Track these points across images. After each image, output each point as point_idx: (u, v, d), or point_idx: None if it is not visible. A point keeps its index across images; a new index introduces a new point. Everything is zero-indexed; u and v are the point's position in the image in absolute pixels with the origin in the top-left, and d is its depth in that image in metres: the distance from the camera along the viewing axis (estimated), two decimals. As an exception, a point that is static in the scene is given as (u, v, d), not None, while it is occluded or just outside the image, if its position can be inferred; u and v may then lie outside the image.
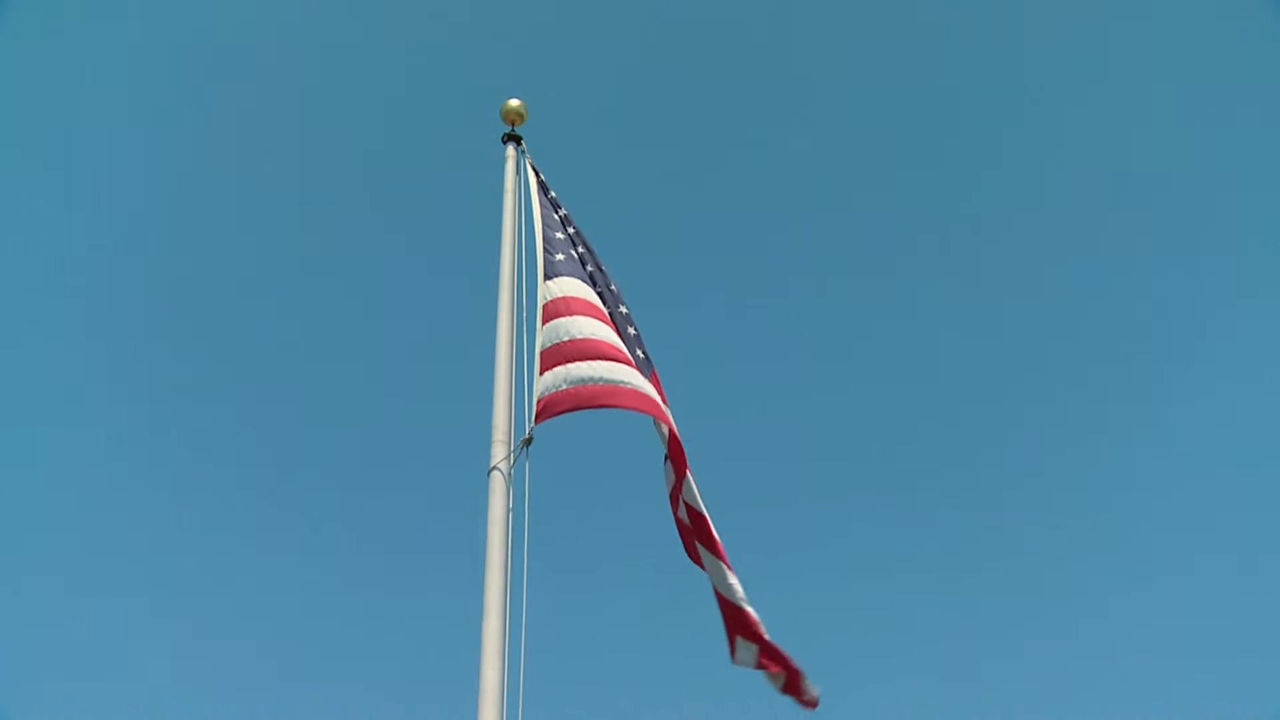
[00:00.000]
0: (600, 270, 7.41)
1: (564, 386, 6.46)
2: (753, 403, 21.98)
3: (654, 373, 7.08)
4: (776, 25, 22.82)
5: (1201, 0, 20.09)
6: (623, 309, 7.32)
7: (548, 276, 7.02)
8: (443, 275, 21.76)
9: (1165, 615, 18.09)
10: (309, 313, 21.58)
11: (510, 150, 7.89)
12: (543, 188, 7.69)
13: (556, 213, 7.58)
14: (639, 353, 7.08)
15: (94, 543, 18.17)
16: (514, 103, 8.04)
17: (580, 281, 7.10)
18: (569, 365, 6.54)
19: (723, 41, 23.39)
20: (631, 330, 7.21)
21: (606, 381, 6.51)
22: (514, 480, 6.35)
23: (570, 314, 6.81)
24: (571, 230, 7.53)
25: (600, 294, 7.21)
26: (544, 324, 6.77)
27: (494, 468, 6.31)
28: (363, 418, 21.22)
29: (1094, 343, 21.44)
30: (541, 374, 6.55)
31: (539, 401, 6.43)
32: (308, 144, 22.04)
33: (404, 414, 21.09)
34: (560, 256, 7.20)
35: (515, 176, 7.76)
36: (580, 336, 6.70)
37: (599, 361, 6.58)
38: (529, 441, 6.35)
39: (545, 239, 7.27)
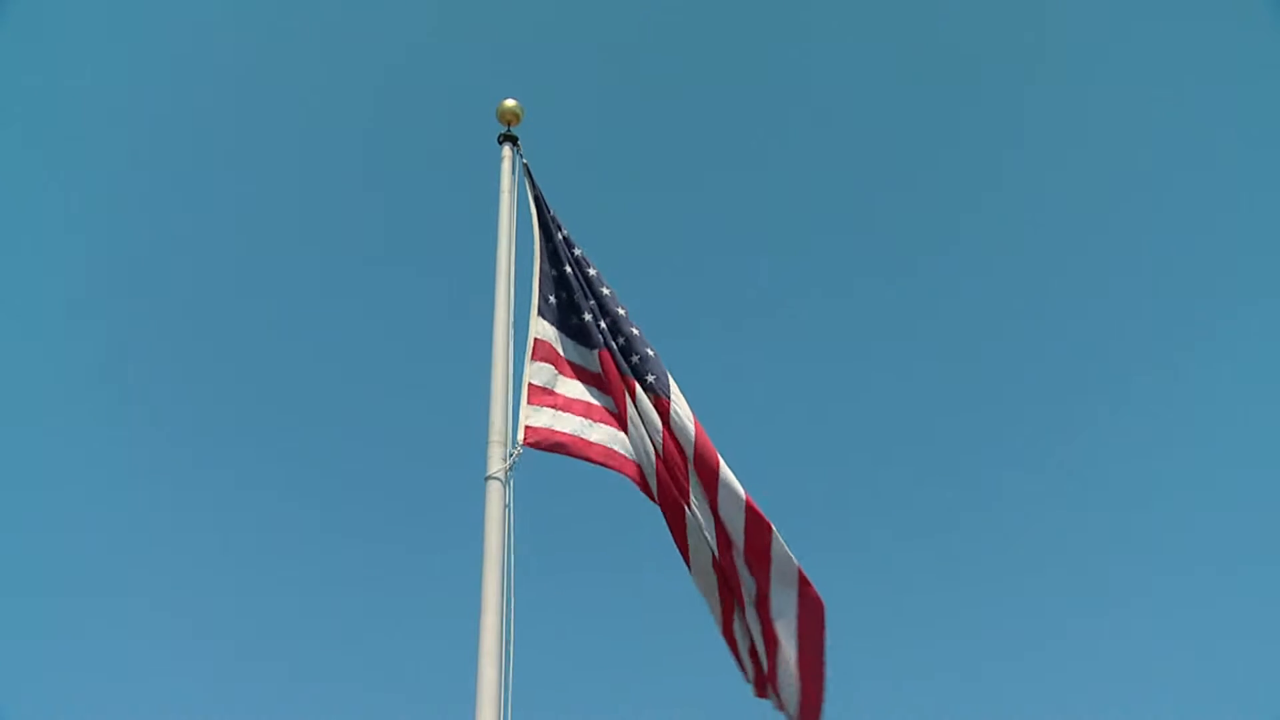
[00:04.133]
0: (599, 295, 7.43)
1: (558, 429, 6.72)
2: (748, 405, 22.01)
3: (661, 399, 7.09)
4: (777, 25, 22.86)
5: (1201, 0, 20.14)
6: (621, 312, 7.36)
7: (541, 314, 7.13)
8: (438, 275, 21.78)
9: (1164, 616, 18.15)
10: (304, 314, 21.62)
11: (506, 151, 7.89)
12: (540, 205, 7.65)
13: (558, 234, 7.57)
14: (634, 359, 7.14)
15: (94, 542, 18.21)
16: (510, 103, 8.03)
17: (564, 335, 7.20)
18: (561, 414, 6.78)
19: (722, 42, 23.42)
20: (632, 334, 7.26)
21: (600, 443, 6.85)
22: (509, 481, 6.40)
23: (559, 371, 7.01)
24: (575, 253, 7.53)
25: (595, 330, 7.23)
26: (534, 359, 6.88)
27: (492, 474, 6.36)
28: (359, 418, 21.27)
29: (1089, 344, 21.49)
30: (530, 402, 6.70)
31: (532, 430, 6.59)
32: (300, 145, 22.10)
33: (400, 414, 21.13)
34: (553, 299, 7.27)
35: (511, 177, 7.77)
36: (570, 397, 6.94)
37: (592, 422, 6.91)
38: (517, 457, 6.46)
39: (542, 270, 7.35)
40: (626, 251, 22.14)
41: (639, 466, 6.86)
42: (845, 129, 23.22)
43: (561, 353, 7.12)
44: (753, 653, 6.75)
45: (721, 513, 6.68)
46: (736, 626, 6.82)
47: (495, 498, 6.27)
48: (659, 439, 6.85)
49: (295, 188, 21.94)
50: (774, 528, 6.62)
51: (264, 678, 17.31)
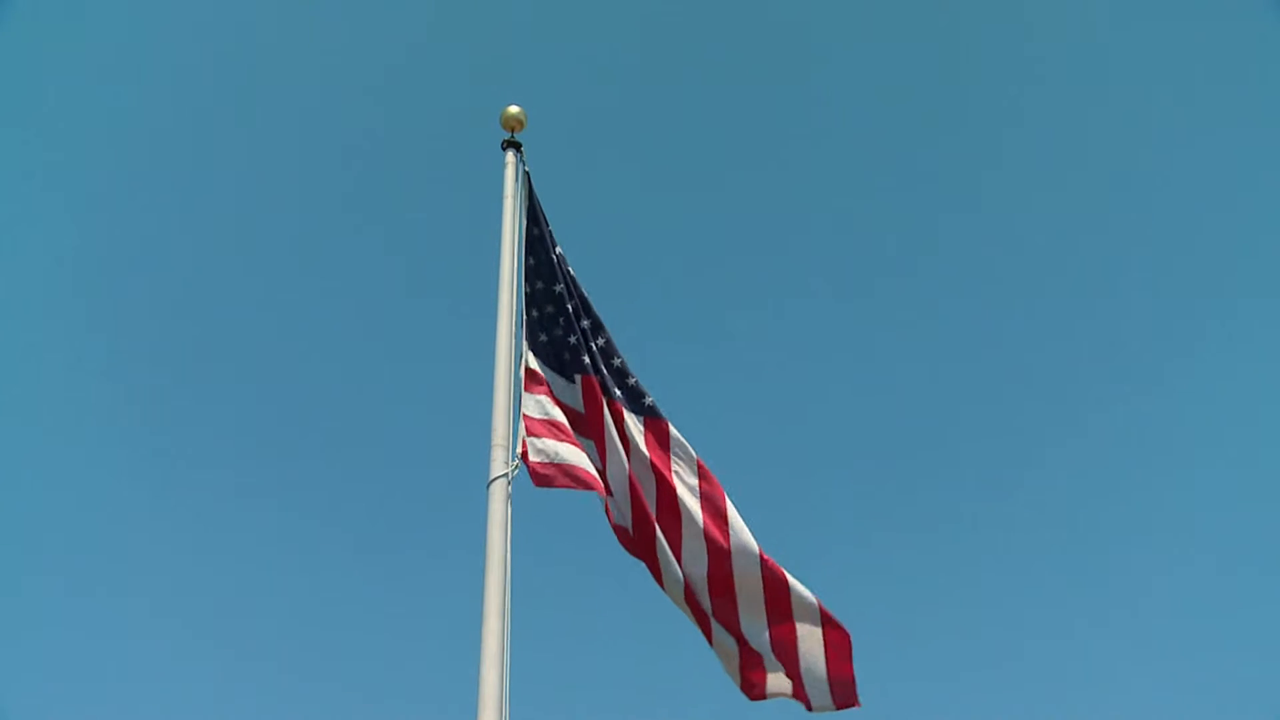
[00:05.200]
0: (594, 316, 7.43)
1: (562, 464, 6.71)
2: (748, 407, 22.04)
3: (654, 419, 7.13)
4: (777, 29, 22.88)
5: (1201, 0, 20.15)
6: (599, 343, 7.34)
7: (531, 347, 7.16)
8: (442, 279, 21.81)
9: (1164, 615, 18.17)
10: (306, 317, 21.62)
11: (510, 157, 7.92)
12: (534, 219, 7.66)
13: (555, 250, 7.56)
14: (618, 391, 7.15)
15: (94, 543, 18.24)
16: (513, 109, 8.06)
17: (546, 367, 7.19)
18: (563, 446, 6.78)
19: (724, 45, 23.44)
20: (617, 361, 7.27)
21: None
22: (511, 485, 6.44)
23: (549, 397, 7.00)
24: (570, 272, 7.53)
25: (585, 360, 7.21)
26: (528, 390, 6.89)
27: (495, 477, 6.40)
28: (361, 421, 21.28)
29: (1091, 342, 21.52)
30: (529, 427, 6.72)
31: (539, 464, 6.60)
32: (304, 148, 22.07)
33: (403, 418, 21.15)
34: (544, 338, 7.27)
35: (515, 183, 7.80)
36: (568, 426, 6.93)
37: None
38: (517, 468, 6.51)
39: (532, 296, 7.38)
40: (629, 256, 22.20)
41: (613, 494, 6.90)
42: (848, 130, 23.25)
43: (546, 381, 7.11)
44: (745, 661, 6.80)
45: (735, 565, 6.75)
46: (716, 641, 6.83)
47: (498, 501, 6.32)
48: (646, 463, 6.89)
49: (297, 191, 21.97)
50: (790, 579, 6.74)
51: (266, 680, 17.36)
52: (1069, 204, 21.93)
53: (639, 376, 7.27)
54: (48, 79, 19.31)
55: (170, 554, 18.61)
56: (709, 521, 6.82)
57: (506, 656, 5.81)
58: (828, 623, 6.74)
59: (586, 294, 7.50)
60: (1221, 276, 20.36)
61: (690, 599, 6.78)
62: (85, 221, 19.89)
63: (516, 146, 7.99)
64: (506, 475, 6.41)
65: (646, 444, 6.96)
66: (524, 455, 6.56)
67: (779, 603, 6.74)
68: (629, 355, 7.36)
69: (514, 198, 7.72)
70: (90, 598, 17.43)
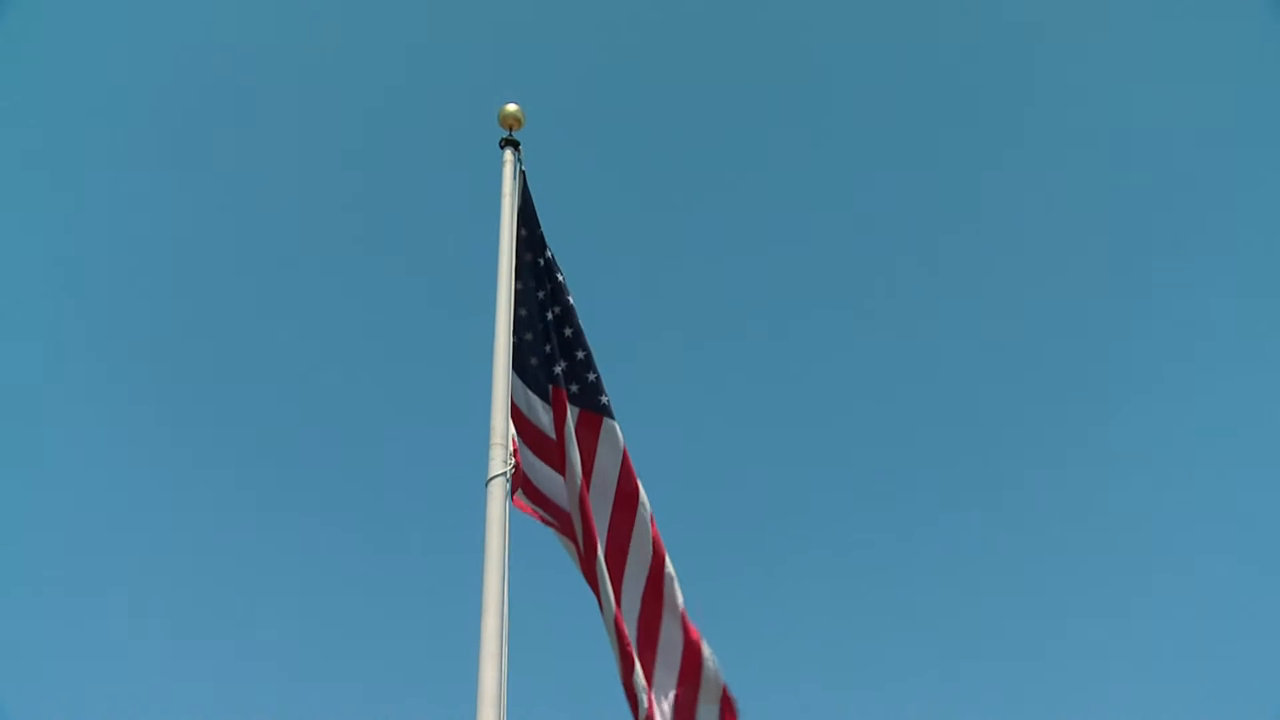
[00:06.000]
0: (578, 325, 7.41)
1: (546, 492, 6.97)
2: (746, 406, 22.04)
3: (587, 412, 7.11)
4: (776, 28, 22.88)
5: (1202, 0, 20.15)
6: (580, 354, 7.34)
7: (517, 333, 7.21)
8: (441, 278, 21.82)
9: (1164, 615, 18.20)
10: (305, 317, 21.65)
11: (508, 155, 7.92)
12: (526, 220, 7.63)
13: (546, 253, 7.54)
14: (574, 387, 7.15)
15: (94, 543, 18.27)
16: (511, 108, 8.07)
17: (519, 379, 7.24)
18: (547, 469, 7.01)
19: (720, 44, 23.45)
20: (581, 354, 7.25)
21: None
22: (510, 484, 6.47)
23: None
24: (560, 278, 7.50)
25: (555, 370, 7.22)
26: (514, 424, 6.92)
27: (494, 476, 6.40)
28: (360, 420, 21.31)
29: (1093, 343, 21.53)
30: (517, 426, 6.82)
31: (525, 488, 6.79)
32: (303, 148, 22.10)
33: (402, 417, 21.18)
34: (515, 340, 7.23)
35: (513, 182, 7.80)
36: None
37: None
38: (514, 469, 6.56)
39: (520, 293, 7.38)
40: (627, 255, 22.20)
41: (571, 525, 6.91)
42: (848, 130, 23.27)
43: (525, 414, 7.17)
44: (650, 707, 6.59)
45: (664, 609, 6.74)
46: (636, 680, 6.58)
47: (496, 500, 6.31)
48: (612, 481, 6.90)
49: (296, 190, 21.99)
50: (704, 648, 6.68)
51: (265, 679, 17.39)
52: (1069, 204, 21.96)
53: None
54: (47, 79, 19.34)
55: (169, 553, 18.68)
56: (653, 560, 6.81)
57: (505, 654, 5.81)
58: (726, 697, 6.66)
59: (573, 302, 7.44)
60: (1221, 276, 20.40)
61: (620, 632, 6.61)
62: (85, 221, 19.94)
63: (514, 145, 8.00)
64: (505, 474, 6.41)
65: (622, 459, 6.95)
66: (513, 492, 6.59)
67: (691, 664, 6.68)
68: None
69: (512, 196, 7.72)
70: (90, 598, 17.47)
